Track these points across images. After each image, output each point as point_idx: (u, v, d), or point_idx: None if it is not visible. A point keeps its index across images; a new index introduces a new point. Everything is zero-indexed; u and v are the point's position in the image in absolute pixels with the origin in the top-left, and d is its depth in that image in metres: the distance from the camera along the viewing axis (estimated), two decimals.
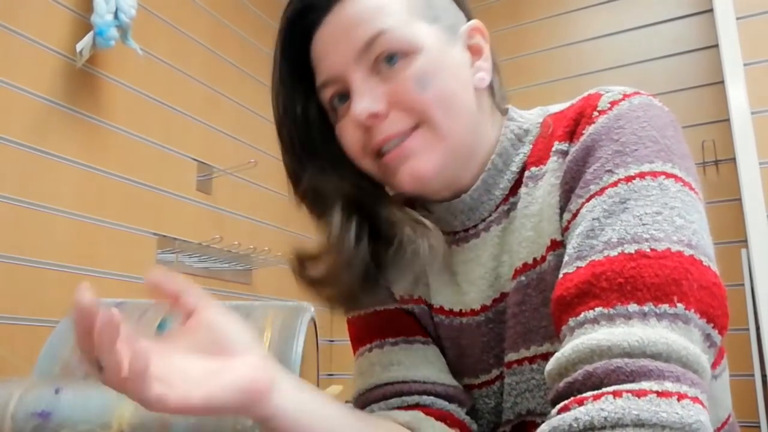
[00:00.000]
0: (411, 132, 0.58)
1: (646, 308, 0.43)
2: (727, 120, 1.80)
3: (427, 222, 0.61)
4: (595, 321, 0.44)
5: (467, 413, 0.66)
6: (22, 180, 1.30)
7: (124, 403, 0.59)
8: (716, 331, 0.45)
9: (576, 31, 2.31)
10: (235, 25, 2.05)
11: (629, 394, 0.38)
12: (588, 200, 0.51)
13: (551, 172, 0.58)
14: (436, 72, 0.57)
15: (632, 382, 0.39)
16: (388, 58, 0.57)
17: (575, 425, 0.39)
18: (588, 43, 2.27)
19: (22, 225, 1.28)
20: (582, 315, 0.45)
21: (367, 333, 0.69)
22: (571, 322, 0.46)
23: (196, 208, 1.79)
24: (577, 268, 0.48)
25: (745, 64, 1.74)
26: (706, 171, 1.98)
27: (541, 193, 0.59)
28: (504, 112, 0.67)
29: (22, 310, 1.26)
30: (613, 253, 0.46)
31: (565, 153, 0.57)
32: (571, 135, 0.57)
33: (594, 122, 0.55)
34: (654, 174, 0.49)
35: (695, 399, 0.39)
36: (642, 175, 0.49)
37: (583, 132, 0.55)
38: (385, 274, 0.62)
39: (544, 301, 0.57)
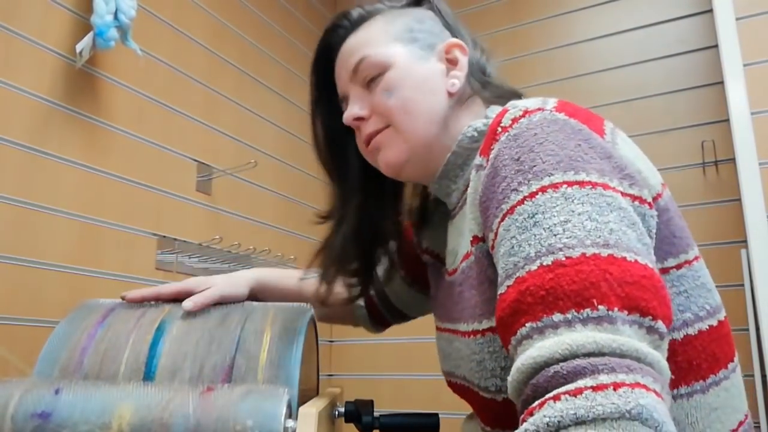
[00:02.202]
0: (382, 130, 0.74)
1: (569, 316, 0.44)
2: (727, 120, 1.80)
3: None
4: (528, 336, 0.46)
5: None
6: (22, 180, 1.30)
7: (124, 403, 0.59)
8: (658, 322, 0.45)
9: (576, 31, 2.31)
10: (235, 25, 2.05)
11: (567, 395, 0.39)
12: (502, 219, 0.54)
13: (471, 182, 0.64)
14: (400, 82, 0.73)
15: (570, 383, 0.41)
16: (371, 78, 0.74)
17: None
18: (588, 43, 2.27)
19: (22, 225, 1.28)
20: (518, 333, 0.47)
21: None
22: (513, 341, 0.48)
23: (196, 208, 1.79)
24: (507, 287, 0.50)
25: (745, 65, 1.74)
26: (705, 171, 1.98)
27: (467, 196, 0.66)
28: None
29: (22, 310, 1.26)
30: (533, 267, 0.48)
31: (479, 167, 0.62)
32: (486, 150, 0.61)
33: (498, 139, 0.59)
34: (555, 186, 0.51)
35: (634, 384, 0.39)
36: (543, 189, 0.51)
37: (491, 149, 0.60)
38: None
39: (469, 287, 0.66)
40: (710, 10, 1.96)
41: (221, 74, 1.96)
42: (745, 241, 1.71)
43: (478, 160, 0.63)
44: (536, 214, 0.50)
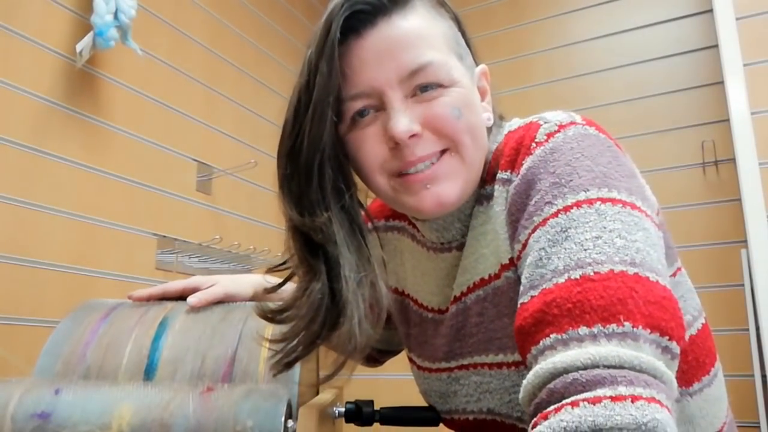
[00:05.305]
0: (440, 155, 0.61)
1: (595, 330, 0.45)
2: (727, 120, 1.80)
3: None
4: (552, 347, 0.46)
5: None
6: (22, 180, 1.30)
7: (124, 403, 0.59)
8: (674, 342, 0.47)
9: (576, 31, 2.31)
10: (235, 25, 2.05)
11: (585, 402, 0.40)
12: (533, 231, 0.54)
13: (497, 198, 0.62)
14: (468, 105, 0.61)
15: (588, 391, 0.41)
16: (424, 86, 0.60)
17: None
18: (588, 44, 2.27)
19: (22, 225, 1.28)
20: (540, 343, 0.48)
21: None
22: (533, 350, 0.48)
23: (196, 208, 1.79)
24: (531, 297, 0.50)
25: (745, 64, 1.74)
26: (706, 171, 1.98)
27: (492, 213, 0.63)
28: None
29: (22, 310, 1.26)
30: (561, 280, 0.49)
31: (506, 181, 0.61)
32: (512, 164, 0.61)
33: (531, 153, 0.58)
34: (590, 201, 0.52)
35: (651, 399, 0.40)
36: (578, 204, 0.52)
37: (523, 163, 0.59)
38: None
39: (499, 315, 0.63)
40: (710, 10, 1.96)
41: (221, 74, 1.96)
42: (745, 241, 1.71)
43: (504, 175, 0.62)
44: (569, 228, 0.51)
